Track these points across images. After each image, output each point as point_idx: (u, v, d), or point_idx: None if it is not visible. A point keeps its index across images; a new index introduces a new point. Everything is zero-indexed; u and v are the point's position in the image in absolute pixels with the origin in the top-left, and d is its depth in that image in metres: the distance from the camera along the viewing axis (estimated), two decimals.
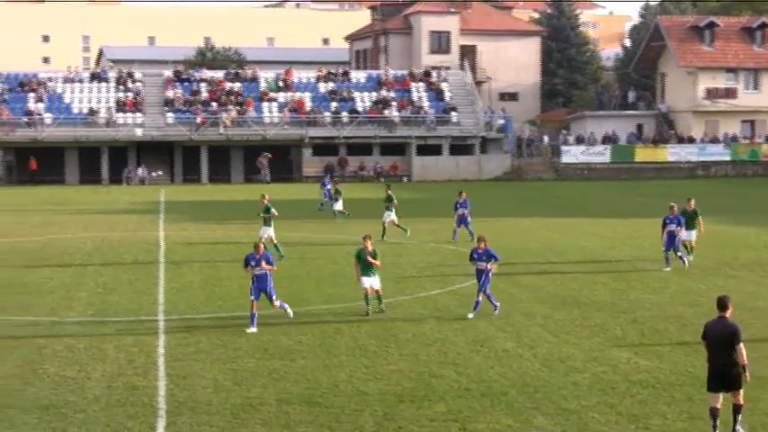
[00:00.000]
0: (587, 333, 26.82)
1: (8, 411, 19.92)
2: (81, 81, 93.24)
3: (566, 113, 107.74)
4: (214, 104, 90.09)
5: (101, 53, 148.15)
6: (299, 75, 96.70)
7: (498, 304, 29.03)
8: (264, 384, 21.78)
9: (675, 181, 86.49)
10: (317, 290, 33.80)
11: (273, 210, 40.69)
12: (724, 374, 17.67)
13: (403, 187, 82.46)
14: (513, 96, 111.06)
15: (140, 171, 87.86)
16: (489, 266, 28.55)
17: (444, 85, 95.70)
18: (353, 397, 20.81)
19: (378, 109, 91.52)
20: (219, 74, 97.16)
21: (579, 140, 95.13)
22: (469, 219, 45.99)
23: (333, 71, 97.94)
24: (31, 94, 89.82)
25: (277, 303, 27.71)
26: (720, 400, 17.79)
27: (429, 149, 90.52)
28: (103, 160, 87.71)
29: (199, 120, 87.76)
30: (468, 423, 19.08)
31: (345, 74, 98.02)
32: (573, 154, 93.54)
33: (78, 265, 39.56)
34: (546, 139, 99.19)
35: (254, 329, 26.63)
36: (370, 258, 28.80)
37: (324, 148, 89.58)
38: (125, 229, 51.74)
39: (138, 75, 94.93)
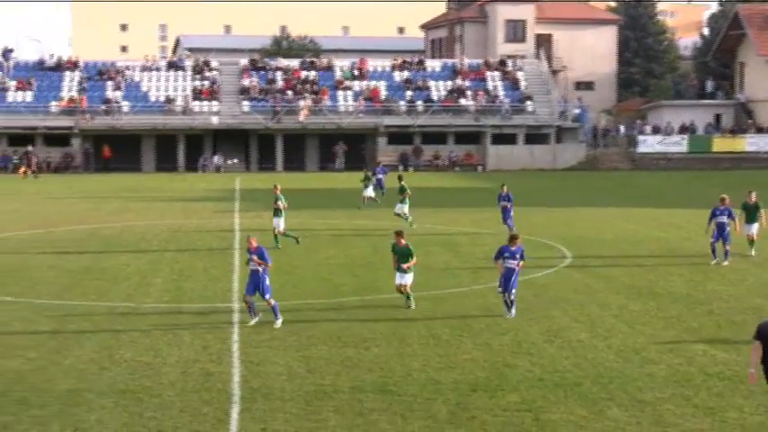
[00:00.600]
0: (663, 324, 26.56)
1: (86, 395, 20.17)
2: (158, 69, 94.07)
3: (642, 103, 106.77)
4: (289, 93, 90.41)
5: (177, 42, 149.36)
6: (374, 64, 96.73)
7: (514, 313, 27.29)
8: (338, 372, 21.84)
9: (754, 171, 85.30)
10: (390, 279, 33.75)
11: (282, 201, 40.38)
12: None
13: (477, 177, 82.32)
14: (588, 86, 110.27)
15: (216, 159, 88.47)
16: (519, 265, 27.23)
17: (520, 74, 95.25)
18: (427, 386, 20.79)
19: (453, 98, 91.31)
20: (295, 63, 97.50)
21: (656, 130, 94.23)
22: (512, 213, 44.47)
23: (408, 60, 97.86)
24: (110, 83, 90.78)
25: (272, 301, 26.28)
26: None
27: (504, 139, 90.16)
28: (179, 148, 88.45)
29: (277, 108, 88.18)
30: (541, 413, 18.99)
31: (420, 63, 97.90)
32: (649, 144, 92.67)
33: (154, 251, 39.93)
34: (622, 128, 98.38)
35: (256, 319, 26.15)
36: (404, 264, 28.13)
37: (398, 136, 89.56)
38: (200, 216, 52.13)
39: (214, 63, 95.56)
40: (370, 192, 54.25)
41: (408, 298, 28.38)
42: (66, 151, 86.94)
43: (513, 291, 27.21)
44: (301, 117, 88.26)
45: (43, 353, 23.51)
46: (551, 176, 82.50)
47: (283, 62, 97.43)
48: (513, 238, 27.76)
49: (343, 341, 24.61)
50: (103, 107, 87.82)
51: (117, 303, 29.45)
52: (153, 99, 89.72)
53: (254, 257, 26.23)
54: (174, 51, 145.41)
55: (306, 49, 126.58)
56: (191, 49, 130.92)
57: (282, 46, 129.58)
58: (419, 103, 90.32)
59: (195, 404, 19.60)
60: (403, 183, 47.60)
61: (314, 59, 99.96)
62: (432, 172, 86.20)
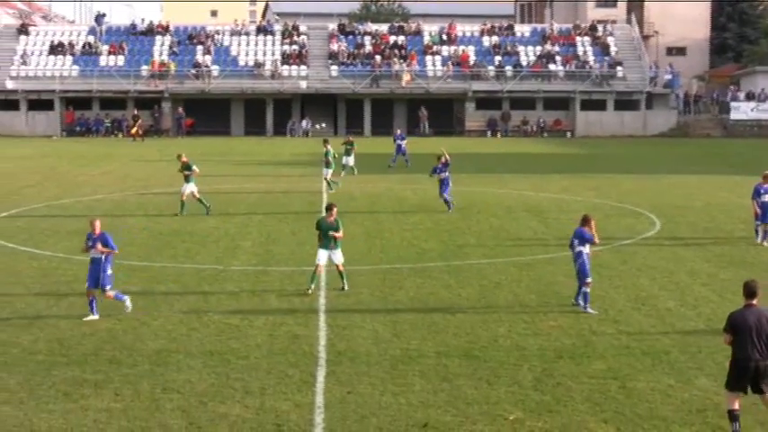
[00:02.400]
0: None
1: (175, 356, 20.43)
2: (247, 34, 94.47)
3: (735, 69, 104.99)
4: (378, 58, 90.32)
5: (267, 6, 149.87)
6: (463, 28, 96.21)
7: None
8: (423, 337, 21.87)
9: None
10: (477, 244, 33.76)
11: (195, 167, 40.31)
12: (757, 370, 15.69)
13: (566, 143, 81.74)
14: (680, 51, 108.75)
15: (304, 123, 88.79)
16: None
17: (610, 40, 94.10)
18: (512, 352, 20.75)
19: (542, 63, 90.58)
20: (383, 27, 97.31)
21: (749, 97, 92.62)
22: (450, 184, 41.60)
23: (497, 25, 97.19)
24: (199, 47, 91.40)
25: (111, 294, 23.65)
26: (740, 399, 16.14)
27: (593, 105, 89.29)
28: (268, 112, 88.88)
29: (392, 72, 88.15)
30: (627, 381, 18.86)
31: (510, 27, 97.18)
32: (743, 110, 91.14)
33: (243, 215, 40.25)
34: (715, 94, 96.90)
35: (94, 317, 23.32)
36: (332, 233, 26.03)
37: (487, 102, 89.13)
38: (288, 180, 52.40)
39: (303, 28, 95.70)
40: (350, 161, 53.69)
41: (342, 278, 26.28)
42: (155, 115, 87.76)
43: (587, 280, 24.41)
44: (404, 82, 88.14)
45: (133, 313, 23.84)
46: (641, 143, 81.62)
47: (372, 27, 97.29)
48: (585, 220, 25.02)
49: (430, 306, 24.63)
50: (193, 71, 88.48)
51: (205, 266, 29.76)
52: (242, 63, 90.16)
53: (98, 245, 23.51)
54: (264, 16, 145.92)
55: (394, 14, 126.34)
56: (280, 14, 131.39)
57: (371, 10, 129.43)
58: (508, 68, 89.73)
59: (282, 366, 19.76)
60: (329, 147, 47.87)
61: (402, 24, 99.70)
62: (520, 138, 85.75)
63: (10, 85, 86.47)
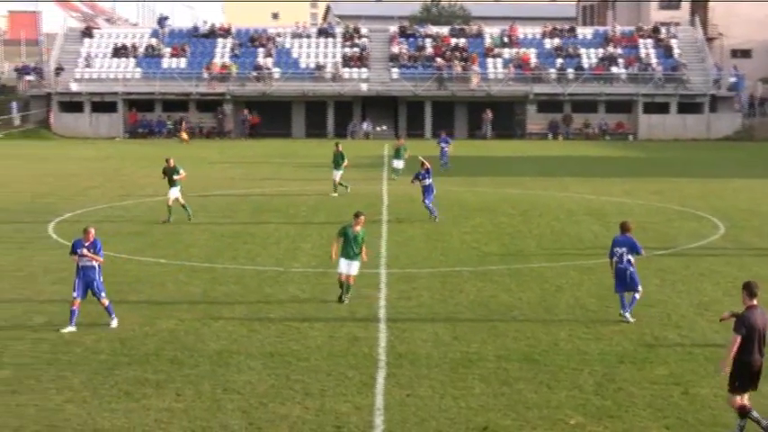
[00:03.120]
0: None
1: (236, 357, 20.53)
2: (309, 36, 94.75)
3: None
4: (439, 60, 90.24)
5: (328, 9, 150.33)
6: (525, 30, 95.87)
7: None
8: (484, 340, 21.81)
9: None
10: (538, 247, 33.62)
11: (182, 171, 39.08)
12: (761, 371, 15.89)
13: (628, 146, 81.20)
14: (745, 53, 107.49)
15: (365, 125, 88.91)
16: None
17: (673, 42, 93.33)
18: (573, 356, 20.63)
19: (604, 66, 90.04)
20: (445, 29, 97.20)
21: None
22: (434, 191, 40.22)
23: (559, 27, 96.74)
24: (261, 49, 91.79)
25: (106, 302, 22.97)
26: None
27: (656, 107, 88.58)
28: (329, 114, 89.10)
29: (452, 75, 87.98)
30: (690, 387, 18.69)
31: (572, 30, 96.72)
32: None
33: (303, 217, 40.38)
34: None
35: (71, 329, 22.50)
36: (355, 246, 25.24)
37: (548, 104, 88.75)
38: (349, 182, 52.45)
39: (364, 30, 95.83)
40: (399, 163, 53.42)
41: (348, 291, 25.44)
42: (218, 117, 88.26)
43: (639, 289, 23.71)
44: (474, 84, 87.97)
45: (195, 314, 24.01)
46: (704, 147, 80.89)
47: (433, 29, 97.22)
48: (623, 227, 24.06)
49: (490, 309, 24.56)
50: (254, 74, 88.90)
51: (266, 267, 29.88)
52: (303, 66, 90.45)
53: (84, 250, 22.83)
54: (325, 18, 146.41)
55: (455, 16, 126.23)
56: (341, 16, 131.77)
57: (432, 13, 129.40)
58: (570, 70, 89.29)
59: (342, 368, 19.78)
60: (339, 149, 47.39)
61: (464, 26, 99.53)
62: (581, 141, 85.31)
63: (74, 87, 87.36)
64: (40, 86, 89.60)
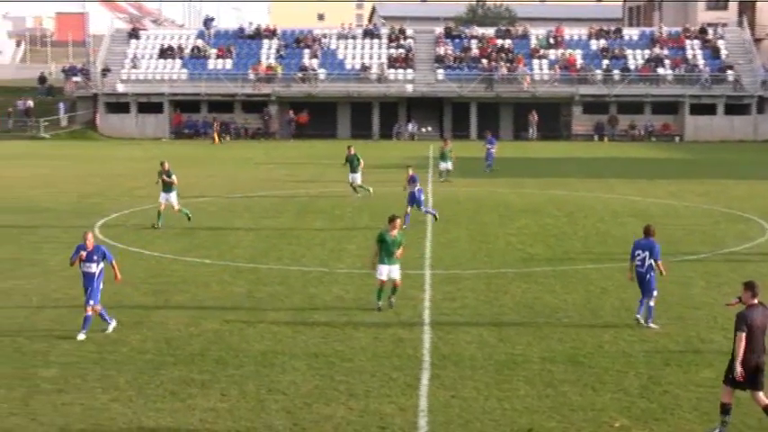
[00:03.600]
0: None
1: (280, 357, 20.58)
2: (354, 37, 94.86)
3: None
4: (484, 61, 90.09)
5: (373, 10, 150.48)
6: (571, 32, 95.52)
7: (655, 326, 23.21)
8: (529, 342, 21.75)
9: None
10: (583, 249, 33.49)
11: (174, 176, 37.74)
12: (759, 368, 16.01)
13: (674, 148, 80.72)
14: None
15: (410, 126, 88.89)
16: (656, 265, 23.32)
17: (721, 43, 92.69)
18: (618, 358, 20.53)
19: (650, 67, 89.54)
20: (490, 31, 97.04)
21: None
22: (422, 198, 39.66)
23: (605, 28, 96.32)
24: (306, 51, 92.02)
25: (98, 307, 22.27)
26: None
27: (703, 109, 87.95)
28: (374, 115, 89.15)
29: (498, 76, 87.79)
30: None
31: (618, 31, 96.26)
32: None
33: (348, 218, 40.43)
34: None
35: (113, 323, 22.67)
36: (394, 250, 24.64)
37: (594, 106, 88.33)
38: (394, 183, 52.44)
39: (409, 31, 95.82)
40: (446, 165, 52.92)
41: (395, 292, 25.00)
42: (264, 118, 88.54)
43: (654, 294, 23.31)
44: (525, 85, 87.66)
45: (240, 315, 24.10)
46: (752, 148, 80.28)
47: (478, 30, 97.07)
48: (647, 231, 23.74)
49: (535, 311, 24.49)
50: (300, 75, 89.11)
51: (311, 268, 29.94)
52: (349, 67, 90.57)
53: (96, 260, 22.23)
54: (370, 19, 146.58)
55: (501, 17, 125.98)
56: (386, 18, 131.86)
57: (478, 14, 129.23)
58: (615, 71, 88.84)
59: (386, 369, 19.79)
60: (353, 152, 47.00)
61: (509, 27, 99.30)
62: (627, 142, 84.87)
63: (121, 88, 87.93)
64: (87, 87, 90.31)
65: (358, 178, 46.76)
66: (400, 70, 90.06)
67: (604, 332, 22.53)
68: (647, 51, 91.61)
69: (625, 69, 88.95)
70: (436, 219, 38.43)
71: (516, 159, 62.80)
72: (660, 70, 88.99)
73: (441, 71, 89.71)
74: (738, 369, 15.96)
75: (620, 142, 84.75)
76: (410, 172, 39.84)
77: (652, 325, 23.07)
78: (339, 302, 25.56)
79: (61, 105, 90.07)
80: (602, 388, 18.69)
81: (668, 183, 52.89)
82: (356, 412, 17.41)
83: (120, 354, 20.84)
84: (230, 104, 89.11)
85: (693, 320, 23.59)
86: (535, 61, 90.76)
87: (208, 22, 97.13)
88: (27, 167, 60.57)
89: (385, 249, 24.59)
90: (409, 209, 38.05)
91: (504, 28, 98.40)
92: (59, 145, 79.86)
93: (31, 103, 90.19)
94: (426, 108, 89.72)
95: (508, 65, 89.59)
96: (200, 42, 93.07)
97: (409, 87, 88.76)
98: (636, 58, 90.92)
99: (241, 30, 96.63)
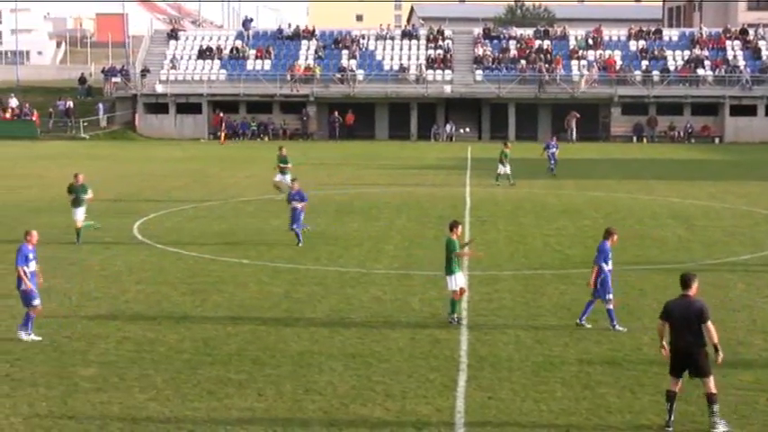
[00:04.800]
0: None
1: (317, 357, 20.60)
2: (392, 38, 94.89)
3: None
4: (523, 62, 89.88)
5: (412, 11, 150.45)
6: (610, 32, 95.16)
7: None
8: (566, 344, 21.67)
9: None
10: (621, 251, 33.26)
11: (90, 192, 35.18)
12: (689, 356, 16.65)
13: (714, 149, 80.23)
14: None
15: (448, 127, 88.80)
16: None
17: (762, 44, 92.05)
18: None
19: (690, 68, 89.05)
20: (529, 31, 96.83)
21: None
22: None
23: (644, 29, 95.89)
24: (345, 51, 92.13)
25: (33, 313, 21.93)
26: (680, 384, 16.79)
27: (743, 110, 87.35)
28: (412, 116, 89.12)
29: (547, 77, 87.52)
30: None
31: (657, 32, 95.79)
32: None
33: (385, 218, 40.43)
34: None
35: (35, 337, 21.97)
36: (459, 251, 23.89)
37: (633, 107, 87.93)
38: (432, 184, 52.46)
39: (448, 32, 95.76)
40: (504, 169, 51.53)
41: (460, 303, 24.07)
42: (302, 119, 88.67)
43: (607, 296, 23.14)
44: (584, 85, 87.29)
45: (277, 315, 24.15)
46: None
47: (517, 31, 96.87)
48: (608, 233, 23.65)
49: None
50: (338, 75, 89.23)
51: (348, 269, 29.95)
52: (387, 68, 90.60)
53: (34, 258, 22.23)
54: (409, 20, 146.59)
55: (540, 18, 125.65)
56: (425, 18, 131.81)
57: (516, 15, 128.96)
58: (655, 72, 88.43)
59: (423, 370, 19.77)
60: (283, 153, 46.02)
61: (548, 28, 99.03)
62: (666, 143, 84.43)
63: (160, 88, 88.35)
64: (126, 88, 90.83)
65: (287, 179, 44.79)
66: (438, 71, 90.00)
67: (642, 334, 22.40)
68: (686, 52, 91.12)
69: (665, 70, 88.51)
70: (299, 243, 34.05)
71: (541, 157, 62.14)
72: (700, 71, 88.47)
73: (479, 72, 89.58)
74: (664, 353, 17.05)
75: (660, 144, 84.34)
76: (296, 186, 35.58)
77: (619, 328, 22.87)
78: (376, 303, 25.56)
79: (100, 106, 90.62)
80: (640, 390, 18.59)
81: (708, 184, 52.57)
82: (393, 413, 17.40)
83: (157, 353, 20.93)
84: (269, 105, 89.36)
85: (732, 323, 23.43)
86: (574, 62, 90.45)
87: (247, 22, 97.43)
88: (67, 167, 60.89)
89: (454, 256, 23.54)
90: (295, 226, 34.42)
91: (542, 29, 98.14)
92: (98, 145, 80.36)
93: (71, 103, 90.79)
94: (464, 109, 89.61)
95: (547, 66, 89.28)
96: (238, 43, 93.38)
97: (447, 88, 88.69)
98: (675, 59, 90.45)
99: (280, 30, 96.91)
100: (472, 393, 18.41)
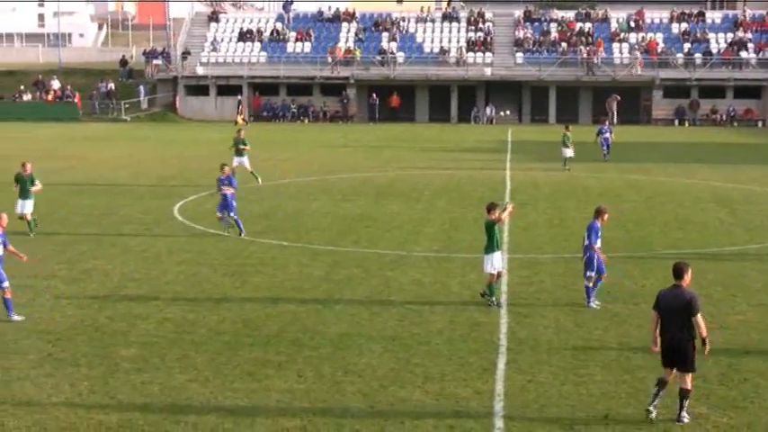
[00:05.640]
0: None
1: (357, 339, 20.63)
2: (433, 21, 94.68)
3: None
4: (564, 45, 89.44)
5: None
6: (652, 15, 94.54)
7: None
8: (606, 327, 21.59)
9: None
10: (662, 234, 33.15)
11: (38, 183, 32.86)
12: (676, 349, 16.16)
13: (757, 133, 79.57)
14: None
15: (488, 110, 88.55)
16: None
17: None
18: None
19: (733, 50, 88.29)
20: (570, 14, 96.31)
21: None
22: None
23: (687, 11, 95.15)
24: (385, 34, 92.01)
25: (8, 295, 21.94)
26: (672, 374, 16.35)
27: None
28: (453, 99, 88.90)
29: (598, 59, 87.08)
30: None
31: (700, 14, 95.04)
32: None
33: (425, 201, 40.39)
34: None
35: (18, 318, 22.10)
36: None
37: (674, 90, 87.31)
38: (472, 167, 52.34)
39: (488, 15, 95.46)
40: (568, 152, 50.81)
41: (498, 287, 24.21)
42: (342, 101, 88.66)
43: (588, 273, 23.54)
44: (639, 69, 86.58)
45: (316, 297, 24.19)
46: None
47: (558, 13, 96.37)
48: (603, 213, 23.84)
49: (613, 296, 24.28)
50: (378, 58, 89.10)
51: (388, 251, 29.95)
52: (427, 50, 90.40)
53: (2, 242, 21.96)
54: (449, 3, 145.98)
55: (581, 1, 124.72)
56: (465, 1, 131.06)
57: None
58: (697, 55, 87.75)
59: (462, 353, 19.75)
60: (241, 136, 45.45)
61: (590, 11, 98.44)
62: (708, 127, 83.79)
63: (200, 71, 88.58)
64: (167, 70, 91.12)
65: (246, 162, 45.00)
66: (479, 54, 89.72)
67: None
68: (729, 35, 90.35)
69: (707, 53, 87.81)
70: (241, 233, 32.56)
71: (595, 144, 61.94)
72: (743, 54, 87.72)
73: (520, 55, 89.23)
74: (654, 348, 16.69)
75: (702, 127, 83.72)
76: (226, 171, 33.73)
77: (593, 305, 23.27)
78: (416, 286, 25.55)
79: (141, 88, 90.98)
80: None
81: (750, 168, 52.15)
82: (432, 395, 17.41)
83: (197, 334, 21.02)
84: (309, 87, 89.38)
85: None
86: (615, 45, 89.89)
87: (287, 5, 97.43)
88: (108, 149, 61.31)
89: (494, 237, 23.56)
90: (219, 214, 33.10)
91: (584, 11, 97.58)
92: (140, 127, 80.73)
93: (112, 85, 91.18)
94: (505, 92, 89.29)
95: (588, 48, 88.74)
96: (279, 25, 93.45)
97: (488, 71, 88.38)
98: (718, 42, 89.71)
99: (320, 13, 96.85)
100: (511, 376, 18.38)
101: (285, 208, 38.30)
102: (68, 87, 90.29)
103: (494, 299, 23.52)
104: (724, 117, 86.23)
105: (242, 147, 45.38)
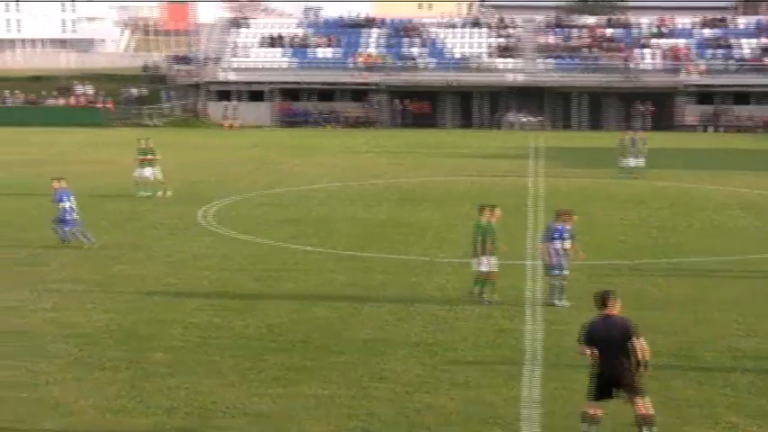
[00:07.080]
0: None
1: (382, 345, 20.60)
2: (458, 26, 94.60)
3: None
4: (588, 50, 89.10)
5: None
6: (679, 20, 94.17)
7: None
8: None
9: None
10: (695, 241, 32.97)
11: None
12: (619, 377, 15.29)
13: None
14: None
15: (513, 116, 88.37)
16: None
17: None
18: (725, 353, 20.18)
19: (760, 56, 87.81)
20: (595, 20, 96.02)
21: None
22: None
23: (714, 17, 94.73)
24: (409, 40, 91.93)
25: None
26: (602, 411, 15.56)
27: None
28: (477, 105, 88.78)
29: (633, 64, 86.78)
30: None
31: (727, 20, 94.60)
32: None
33: (450, 207, 40.30)
34: None
35: None
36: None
37: (702, 96, 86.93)
38: (495, 173, 52.22)
39: (513, 21, 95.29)
40: (627, 162, 49.78)
41: (494, 287, 24.77)
42: (367, 107, 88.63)
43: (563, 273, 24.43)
44: (694, 74, 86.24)
45: (342, 302, 24.16)
46: None
47: (584, 19, 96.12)
48: (562, 215, 25.02)
49: (641, 303, 24.14)
50: (402, 63, 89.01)
51: (413, 257, 29.91)
52: (451, 56, 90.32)
53: None
54: (474, 8, 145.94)
55: (607, 6, 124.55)
56: (491, 6, 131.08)
57: (585, 3, 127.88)
58: (726, 61, 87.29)
59: (488, 359, 19.70)
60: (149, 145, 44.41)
61: (617, 16, 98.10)
62: (735, 133, 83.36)
63: (225, 76, 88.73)
64: (192, 76, 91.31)
65: (158, 173, 43.82)
66: (504, 59, 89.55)
67: (711, 326, 22.17)
68: (757, 40, 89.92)
69: (734, 59, 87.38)
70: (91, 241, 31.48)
71: None
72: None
73: (544, 60, 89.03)
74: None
75: (729, 133, 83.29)
76: (62, 185, 32.05)
77: (559, 303, 23.84)
78: (440, 292, 25.51)
79: (166, 93, 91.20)
80: (708, 383, 18.38)
81: None
82: (459, 402, 17.35)
83: (224, 339, 21.03)
84: (333, 93, 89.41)
85: None
86: (646, 51, 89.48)
87: (312, 11, 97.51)
88: (132, 154, 61.39)
89: (485, 239, 24.56)
90: (58, 229, 31.62)
91: (610, 17, 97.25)
92: (164, 132, 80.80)
93: (137, 90, 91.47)
94: (529, 97, 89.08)
95: (615, 54, 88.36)
96: (303, 31, 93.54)
97: (512, 77, 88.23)
98: (746, 48, 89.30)
99: (344, 19, 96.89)
100: (539, 383, 18.30)
101: (315, 214, 38.28)
102: (94, 92, 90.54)
103: (475, 290, 24.42)
104: (750, 123, 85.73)
105: (150, 157, 44.07)
